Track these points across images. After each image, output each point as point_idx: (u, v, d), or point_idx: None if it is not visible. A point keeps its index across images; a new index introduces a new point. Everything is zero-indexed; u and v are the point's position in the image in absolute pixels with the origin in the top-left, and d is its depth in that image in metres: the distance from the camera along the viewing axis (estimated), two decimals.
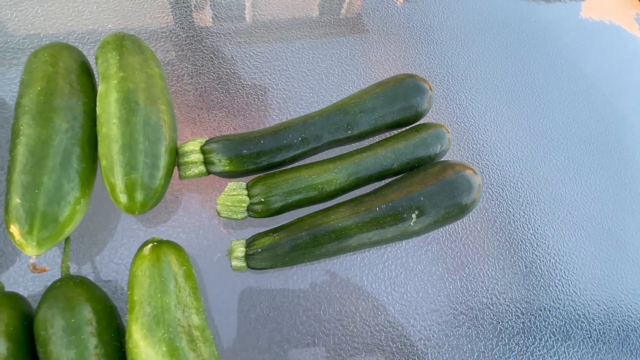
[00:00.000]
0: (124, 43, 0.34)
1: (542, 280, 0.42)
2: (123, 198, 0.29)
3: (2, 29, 0.42)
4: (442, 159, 0.40)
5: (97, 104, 0.31)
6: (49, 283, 0.29)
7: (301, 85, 0.47)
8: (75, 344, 0.24)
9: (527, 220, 0.45)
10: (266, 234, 0.32)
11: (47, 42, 0.35)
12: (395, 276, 0.38)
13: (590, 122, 0.57)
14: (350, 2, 0.58)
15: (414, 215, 0.33)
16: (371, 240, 0.33)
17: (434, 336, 0.36)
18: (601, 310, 0.42)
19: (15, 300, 0.26)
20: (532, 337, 0.38)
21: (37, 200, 0.26)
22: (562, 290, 0.42)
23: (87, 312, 0.25)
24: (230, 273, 0.34)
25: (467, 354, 0.36)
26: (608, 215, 0.49)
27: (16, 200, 0.26)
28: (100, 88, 0.32)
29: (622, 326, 0.42)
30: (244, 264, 0.32)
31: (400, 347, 0.35)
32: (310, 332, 0.33)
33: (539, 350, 0.38)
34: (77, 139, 0.29)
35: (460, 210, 0.35)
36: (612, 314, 0.42)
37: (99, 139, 0.30)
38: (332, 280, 0.36)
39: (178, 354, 0.24)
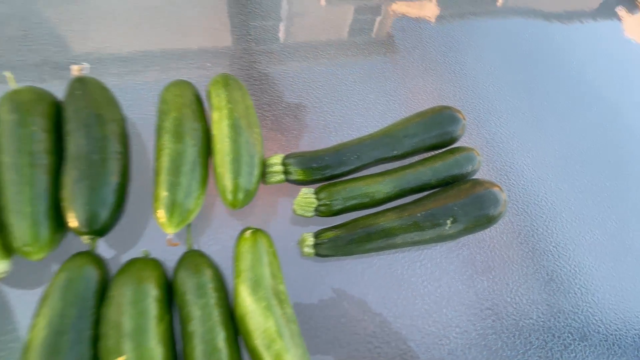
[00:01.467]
0: (229, 82, 0.46)
1: (562, 287, 0.48)
2: (230, 196, 0.40)
3: (138, 70, 0.56)
4: (473, 177, 0.48)
5: (213, 127, 0.43)
6: (172, 256, 0.39)
7: (353, 113, 0.57)
8: (203, 295, 0.34)
9: (550, 234, 0.51)
10: (330, 229, 0.42)
11: (172, 80, 0.47)
12: (431, 273, 0.45)
13: (613, 148, 0.62)
14: (391, 47, 0.68)
15: (448, 222, 0.41)
16: (412, 240, 0.42)
17: (463, 324, 0.43)
18: (619, 318, 0.47)
19: (158, 264, 0.37)
20: (551, 334, 0.44)
21: (177, 194, 0.37)
22: (580, 298, 0.47)
23: (208, 274, 0.35)
24: (298, 259, 0.43)
25: (492, 342, 0.42)
26: (629, 235, 0.54)
27: (164, 193, 0.37)
28: (214, 115, 0.44)
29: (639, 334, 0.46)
30: (312, 251, 0.41)
31: (434, 330, 0.42)
32: (360, 311, 0.42)
33: (557, 347, 0.43)
34: (199, 152, 0.41)
35: (487, 220, 0.42)
36: (629, 322, 0.47)
37: (215, 152, 0.41)
38: (378, 271, 0.45)
39: (272, 309, 0.34)
